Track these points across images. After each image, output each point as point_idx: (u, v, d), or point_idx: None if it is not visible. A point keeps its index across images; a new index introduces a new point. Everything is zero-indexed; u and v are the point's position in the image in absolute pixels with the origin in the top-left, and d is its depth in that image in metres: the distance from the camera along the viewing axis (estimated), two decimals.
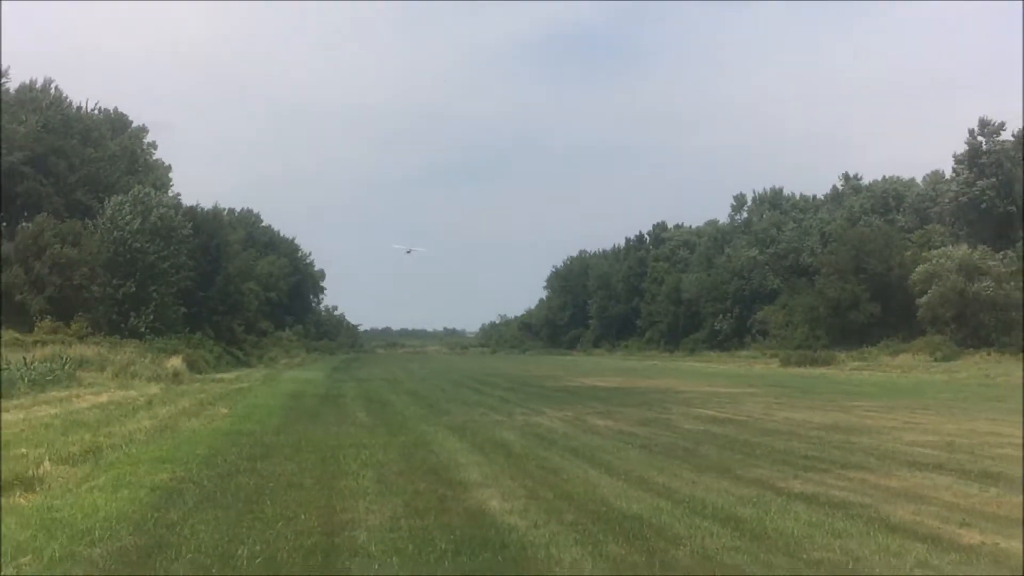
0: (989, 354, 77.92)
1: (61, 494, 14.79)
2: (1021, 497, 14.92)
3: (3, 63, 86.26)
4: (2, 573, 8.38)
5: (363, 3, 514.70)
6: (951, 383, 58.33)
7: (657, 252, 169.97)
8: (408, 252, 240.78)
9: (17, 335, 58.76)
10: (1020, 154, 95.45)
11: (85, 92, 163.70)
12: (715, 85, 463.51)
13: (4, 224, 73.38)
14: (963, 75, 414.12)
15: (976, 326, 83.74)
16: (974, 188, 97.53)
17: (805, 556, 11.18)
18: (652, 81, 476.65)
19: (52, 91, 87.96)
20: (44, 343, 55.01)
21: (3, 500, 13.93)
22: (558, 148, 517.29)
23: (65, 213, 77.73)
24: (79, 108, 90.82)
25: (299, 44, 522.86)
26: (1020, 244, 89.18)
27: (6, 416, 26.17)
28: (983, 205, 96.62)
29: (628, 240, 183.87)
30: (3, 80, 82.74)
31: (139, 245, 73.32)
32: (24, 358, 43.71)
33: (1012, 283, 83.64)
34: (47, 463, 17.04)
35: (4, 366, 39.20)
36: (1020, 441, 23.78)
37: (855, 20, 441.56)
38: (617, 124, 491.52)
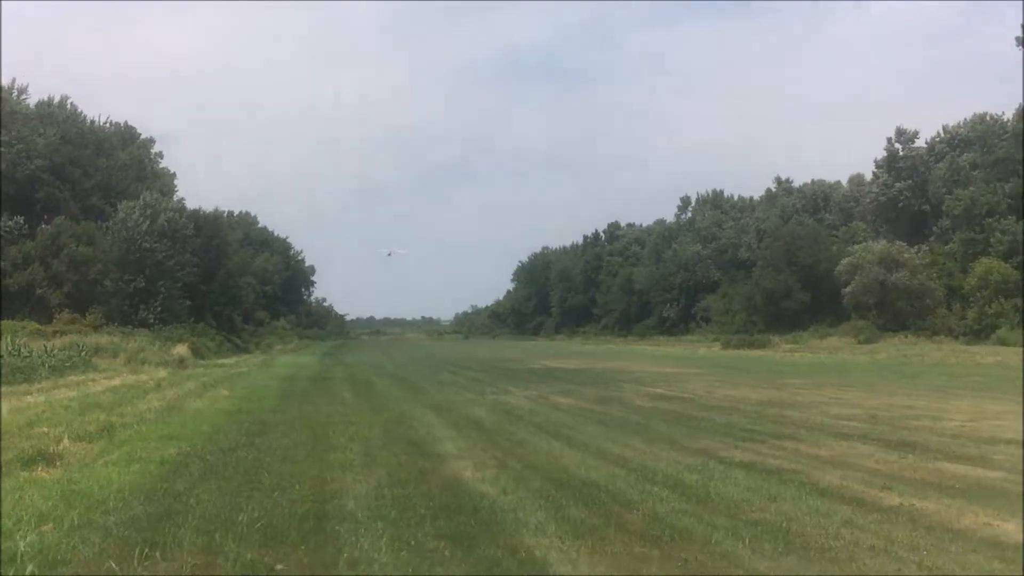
0: (906, 337, 78.51)
1: (79, 468, 14.69)
2: (999, 473, 14.92)
3: (24, 81, 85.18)
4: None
5: (346, 28, 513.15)
6: (872, 363, 58.63)
7: (611, 248, 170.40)
8: (389, 255, 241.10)
9: (38, 326, 58.59)
10: (933, 159, 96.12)
11: (99, 107, 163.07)
12: (663, 97, 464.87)
13: (26, 226, 73.00)
14: (878, 89, 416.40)
15: (894, 312, 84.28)
16: (892, 190, 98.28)
17: (744, 517, 11.20)
18: (609, 95, 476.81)
19: (68, 106, 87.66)
20: (63, 333, 54.75)
21: (27, 474, 13.84)
22: (525, 155, 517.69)
23: (81, 216, 77.44)
24: (93, 122, 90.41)
25: (284, 68, 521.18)
26: (933, 239, 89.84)
27: (29, 399, 26.03)
28: (900, 205, 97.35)
29: (586, 238, 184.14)
30: (17, 95, 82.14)
31: (148, 245, 72.98)
32: (45, 346, 43.65)
33: (925, 274, 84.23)
34: (66, 440, 16.94)
35: (27, 354, 39.05)
36: (934, 414, 23.96)
37: (782, 40, 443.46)
38: (576, 133, 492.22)
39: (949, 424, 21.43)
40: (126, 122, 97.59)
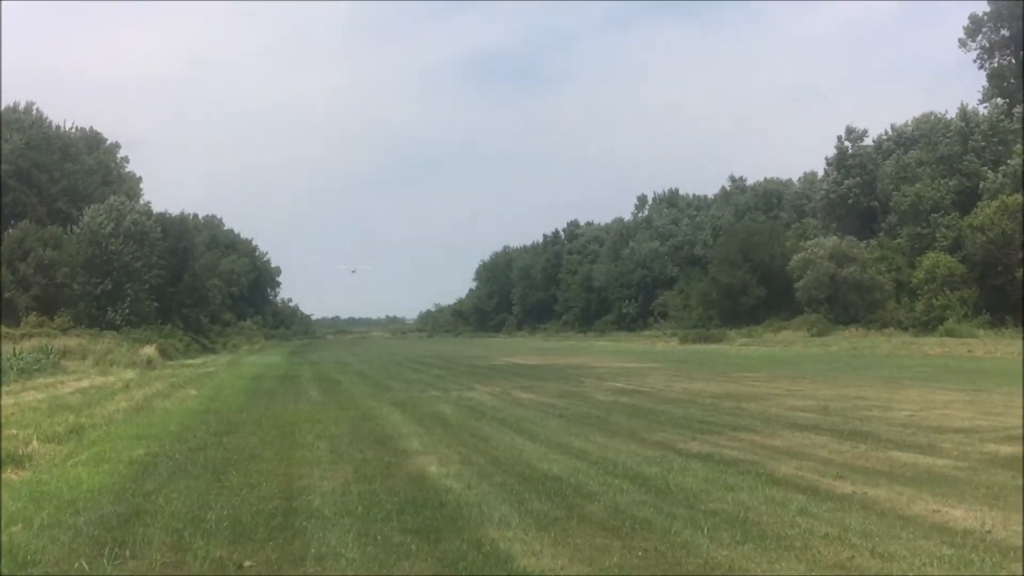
0: (857, 329, 79.08)
1: (48, 469, 14.58)
2: (947, 461, 15.04)
3: None
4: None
5: (312, 28, 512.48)
6: (825, 355, 59.06)
7: (571, 246, 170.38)
8: (353, 272, 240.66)
9: (6, 329, 58.10)
10: (881, 156, 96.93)
11: (66, 112, 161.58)
12: (619, 100, 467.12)
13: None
14: (826, 88, 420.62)
15: (845, 305, 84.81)
16: (842, 187, 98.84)
17: (702, 507, 11.25)
18: (564, 97, 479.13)
19: (34, 112, 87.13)
20: (31, 336, 54.36)
21: None
22: (484, 155, 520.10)
23: (47, 220, 76.97)
24: (58, 127, 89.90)
25: (256, 68, 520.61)
26: (882, 234, 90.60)
27: None
28: (849, 201, 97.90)
29: (546, 236, 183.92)
30: None
31: (114, 248, 72.56)
32: (13, 349, 43.24)
33: (875, 268, 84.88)
34: (35, 442, 16.79)
35: None
36: (884, 404, 24.15)
37: (734, 41, 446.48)
38: (536, 134, 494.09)
39: (899, 414, 21.61)
40: (91, 127, 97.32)
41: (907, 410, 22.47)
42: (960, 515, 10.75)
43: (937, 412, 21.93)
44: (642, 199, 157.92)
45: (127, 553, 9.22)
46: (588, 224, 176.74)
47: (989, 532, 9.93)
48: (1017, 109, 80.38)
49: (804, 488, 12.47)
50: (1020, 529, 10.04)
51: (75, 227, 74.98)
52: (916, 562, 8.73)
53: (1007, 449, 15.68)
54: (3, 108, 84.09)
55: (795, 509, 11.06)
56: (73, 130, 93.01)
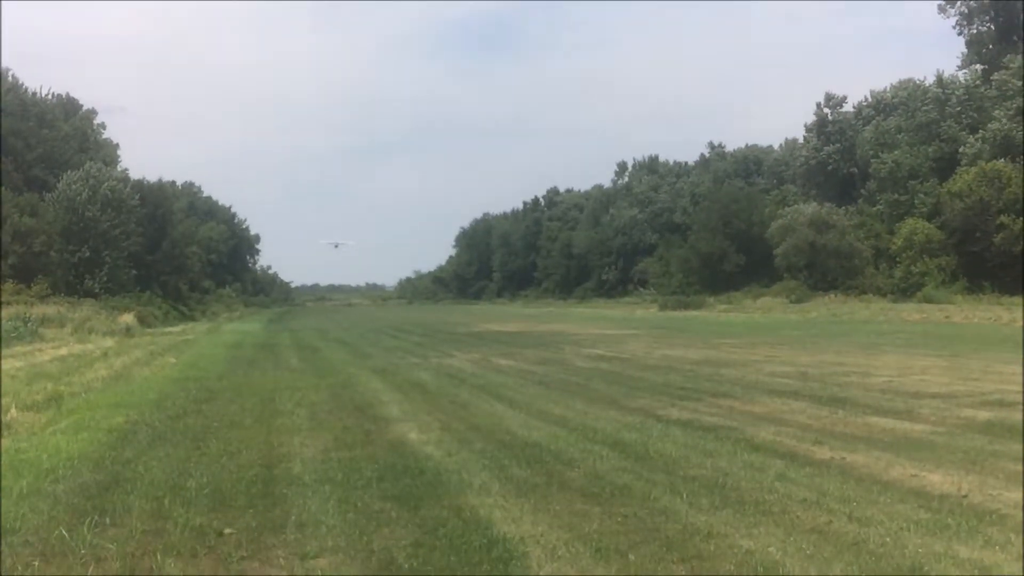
0: (835, 296, 79.46)
1: (27, 437, 14.53)
2: (925, 426, 15.12)
3: None
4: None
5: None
6: (804, 321, 59.34)
7: (551, 213, 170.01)
8: (336, 247, 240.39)
9: None
10: (860, 123, 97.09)
11: (42, 79, 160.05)
12: (600, 67, 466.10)
13: None
14: (806, 57, 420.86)
15: (824, 272, 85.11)
16: (821, 153, 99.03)
17: (682, 473, 11.29)
18: (544, 64, 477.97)
19: (9, 78, 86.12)
20: (9, 304, 53.94)
21: None
22: (463, 124, 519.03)
23: (24, 188, 76.38)
24: (34, 93, 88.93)
25: (235, 34, 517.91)
26: (861, 200, 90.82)
27: None
28: (829, 168, 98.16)
29: (525, 203, 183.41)
30: None
31: (91, 215, 72.04)
32: None
33: (854, 235, 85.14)
34: (14, 410, 16.72)
35: None
36: (862, 370, 24.28)
37: (717, 8, 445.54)
38: (515, 103, 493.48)
39: (877, 380, 21.74)
40: (68, 93, 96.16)
41: (885, 376, 22.61)
42: (937, 480, 10.82)
43: (915, 378, 22.07)
44: (622, 166, 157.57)
45: (107, 521, 9.20)
46: (568, 191, 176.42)
47: (965, 496, 10.00)
48: (995, 75, 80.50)
49: (782, 454, 12.54)
50: (996, 493, 10.13)
51: (51, 194, 74.42)
52: (893, 526, 8.78)
53: (984, 414, 15.79)
54: None
55: (773, 475, 11.12)
56: (49, 96, 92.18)
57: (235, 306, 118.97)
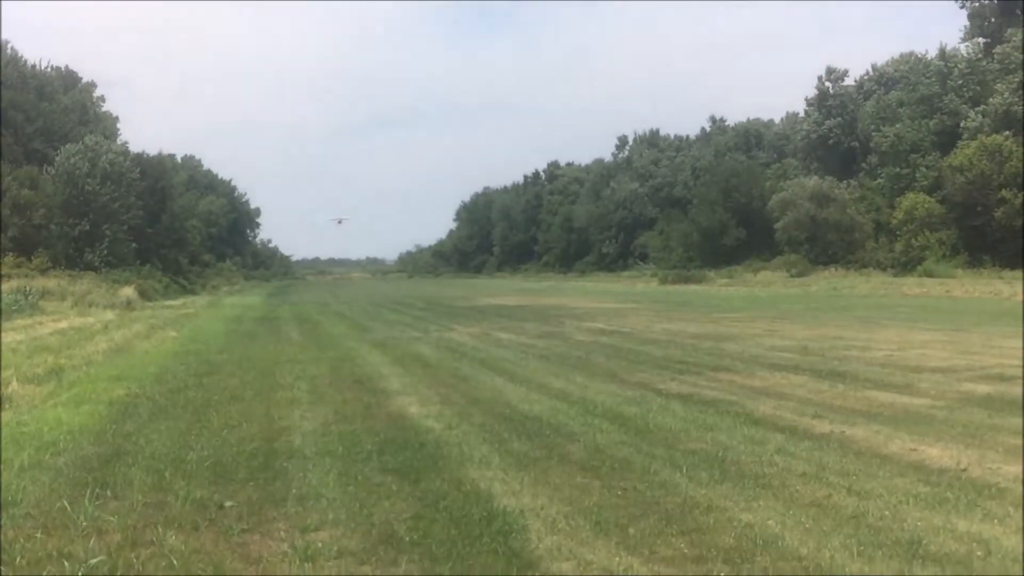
0: (836, 270, 79.57)
1: (28, 410, 14.54)
2: (924, 400, 15.15)
3: None
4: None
5: None
6: (804, 295, 59.37)
7: (551, 187, 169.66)
8: (340, 222, 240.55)
9: None
10: (862, 96, 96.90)
11: (41, 52, 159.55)
12: (598, 40, 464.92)
13: None
14: (804, 30, 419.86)
15: (825, 246, 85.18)
16: (822, 127, 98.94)
17: (681, 447, 11.31)
18: (546, 41, 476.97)
19: (9, 51, 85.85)
20: (9, 277, 53.97)
21: None
22: (464, 100, 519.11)
23: (24, 160, 76.28)
24: (34, 66, 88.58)
25: (232, 11, 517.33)
26: (862, 174, 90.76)
27: None
28: (830, 142, 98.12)
29: (526, 177, 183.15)
30: None
31: (91, 188, 71.83)
32: None
33: (855, 208, 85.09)
34: (15, 383, 16.72)
35: None
36: (862, 344, 24.29)
37: None
38: (515, 80, 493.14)
39: (877, 354, 21.75)
40: (67, 66, 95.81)
41: (885, 350, 22.62)
42: (936, 453, 10.84)
43: (915, 352, 22.08)
44: (623, 139, 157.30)
45: (108, 493, 9.22)
46: (568, 165, 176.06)
47: (964, 470, 10.01)
48: (997, 48, 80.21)
49: (782, 428, 12.56)
50: (995, 467, 10.15)
51: (51, 167, 74.29)
52: (892, 500, 8.81)
53: (983, 388, 15.80)
54: None
55: (773, 448, 11.13)
56: (48, 69, 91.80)
57: (235, 280, 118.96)
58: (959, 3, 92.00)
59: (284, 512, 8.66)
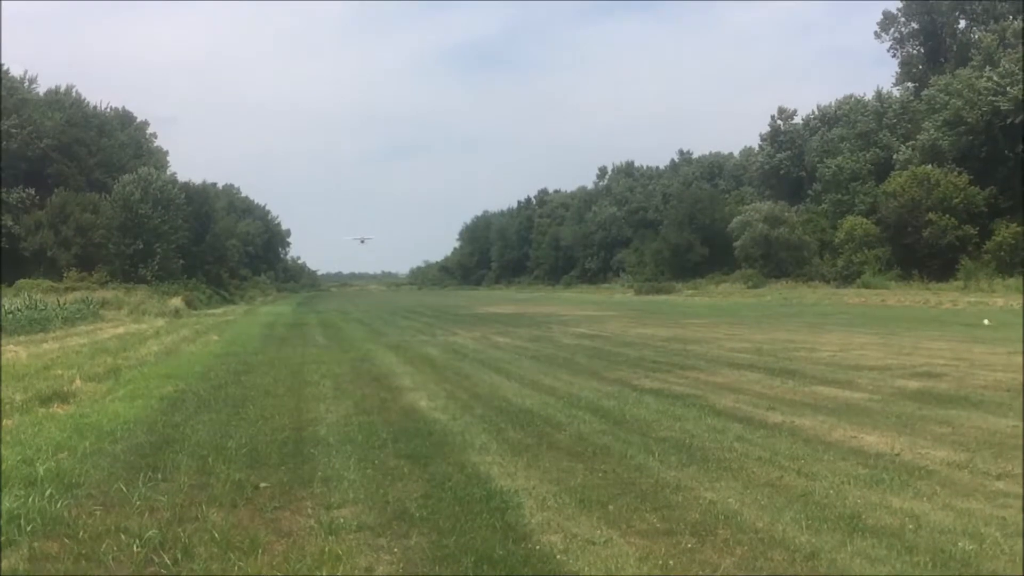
0: (787, 282, 79.51)
1: (90, 404, 14.50)
2: (863, 395, 15.18)
3: (34, 72, 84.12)
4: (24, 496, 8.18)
5: (316, 22, 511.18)
6: (759, 304, 59.34)
7: (541, 211, 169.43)
8: (363, 242, 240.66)
9: (51, 283, 57.96)
10: (809, 132, 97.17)
11: (103, 94, 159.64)
12: (583, 84, 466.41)
13: (37, 197, 72.06)
14: (763, 74, 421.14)
15: (777, 262, 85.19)
16: (775, 159, 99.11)
17: (654, 435, 11.30)
18: (539, 84, 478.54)
19: (74, 94, 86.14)
20: (73, 289, 54.12)
21: (45, 410, 13.62)
22: (471, 132, 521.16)
23: (86, 188, 76.44)
24: (95, 107, 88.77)
25: (266, 58, 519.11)
26: (808, 200, 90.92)
27: (45, 346, 25.67)
28: (781, 172, 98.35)
29: (520, 202, 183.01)
30: (28, 84, 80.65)
31: (144, 212, 71.83)
32: (58, 300, 43.19)
33: (802, 229, 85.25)
34: (78, 381, 16.71)
35: (42, 307, 38.61)
36: (809, 346, 24.30)
37: (686, 33, 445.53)
38: (512, 116, 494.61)
39: (822, 354, 21.75)
40: (124, 107, 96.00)
41: (829, 351, 22.62)
42: (873, 440, 10.85)
43: (855, 353, 22.08)
44: (603, 170, 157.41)
45: (159, 476, 9.21)
46: (556, 191, 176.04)
47: (898, 455, 10.03)
48: (925, 91, 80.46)
49: (740, 418, 12.56)
50: (924, 452, 10.16)
51: (109, 195, 74.38)
52: (836, 480, 8.82)
53: (914, 384, 15.82)
54: (46, 92, 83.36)
55: (733, 436, 11.14)
56: (108, 110, 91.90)
57: (269, 291, 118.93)
58: (891, 52, 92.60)
59: (311, 492, 8.65)
